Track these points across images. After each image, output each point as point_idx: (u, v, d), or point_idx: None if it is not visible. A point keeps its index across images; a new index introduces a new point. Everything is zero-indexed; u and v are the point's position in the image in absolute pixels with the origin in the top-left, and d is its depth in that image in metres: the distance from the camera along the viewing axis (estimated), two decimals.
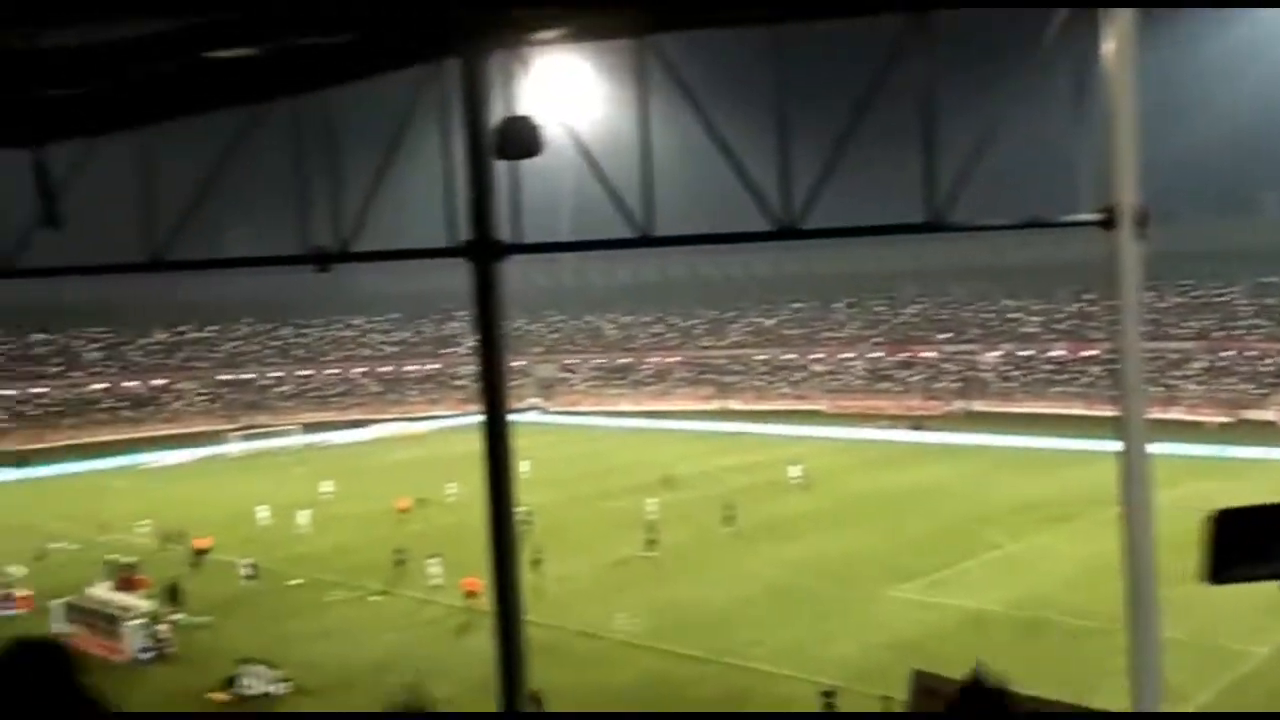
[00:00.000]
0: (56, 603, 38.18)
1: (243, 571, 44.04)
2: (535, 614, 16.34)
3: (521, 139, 9.10)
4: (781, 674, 31.49)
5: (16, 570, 43.45)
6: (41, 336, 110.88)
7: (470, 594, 38.64)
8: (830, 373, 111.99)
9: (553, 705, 26.59)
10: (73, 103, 9.30)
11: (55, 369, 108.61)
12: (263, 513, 56.05)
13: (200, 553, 47.41)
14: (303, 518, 54.43)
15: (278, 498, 60.58)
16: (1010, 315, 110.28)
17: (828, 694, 27.97)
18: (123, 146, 11.51)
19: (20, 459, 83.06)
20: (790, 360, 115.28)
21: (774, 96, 9.98)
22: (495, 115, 9.61)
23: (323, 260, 10.47)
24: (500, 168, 10.09)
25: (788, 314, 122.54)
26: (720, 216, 16.81)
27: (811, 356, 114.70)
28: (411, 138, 10.24)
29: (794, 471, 62.65)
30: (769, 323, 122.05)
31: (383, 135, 10.44)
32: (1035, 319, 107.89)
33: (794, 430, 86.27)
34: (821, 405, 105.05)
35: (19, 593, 41.51)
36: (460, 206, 9.91)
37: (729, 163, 9.56)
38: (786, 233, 9.30)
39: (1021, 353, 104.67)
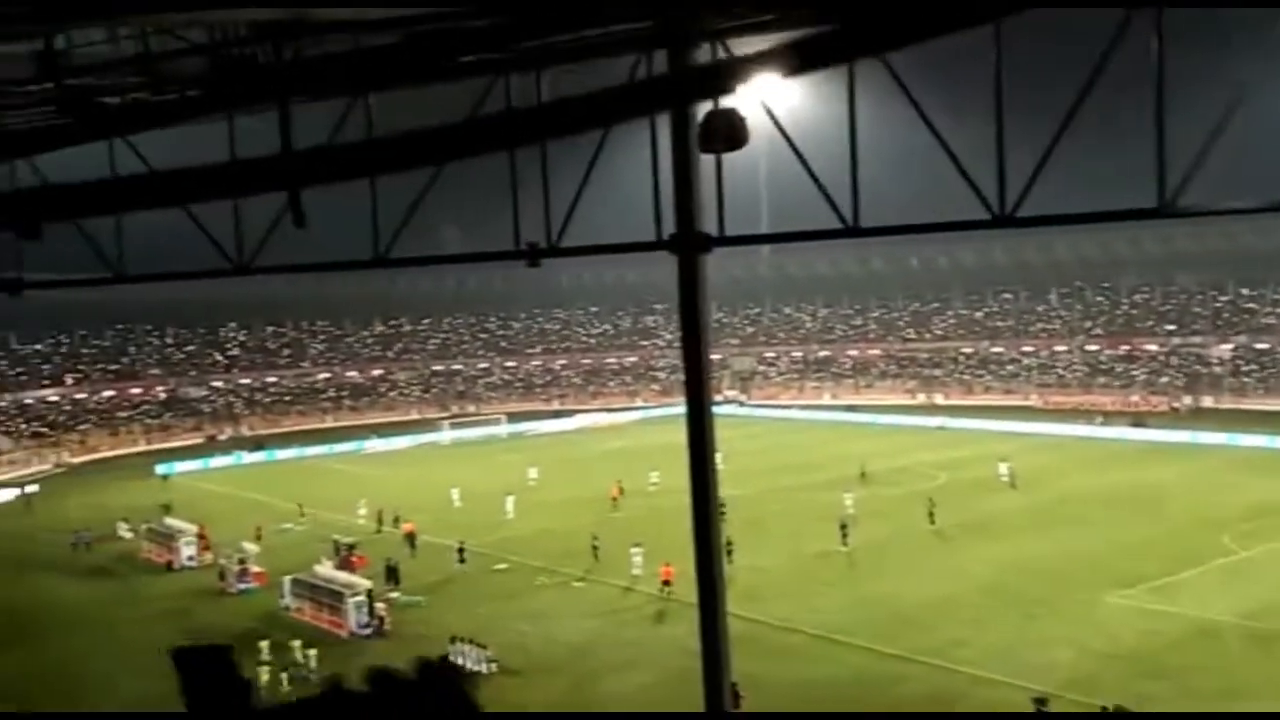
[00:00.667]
0: (287, 579, 41.00)
1: (455, 558, 45.91)
2: (728, 604, 16.42)
3: (727, 131, 9.15)
4: (989, 677, 30.45)
5: (252, 547, 46.83)
6: (273, 330, 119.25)
7: (665, 582, 39.27)
8: (1042, 366, 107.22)
9: (755, 698, 26.66)
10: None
11: (285, 360, 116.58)
12: (465, 498, 58.49)
13: (408, 536, 49.89)
14: (509, 504, 56.41)
15: (484, 484, 63.05)
16: (1245, 305, 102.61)
17: (1040, 701, 26.86)
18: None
19: (257, 444, 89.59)
20: (998, 353, 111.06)
21: (992, 84, 9.65)
22: (700, 109, 9.71)
23: (535, 255, 10.86)
24: (705, 161, 10.18)
25: (996, 305, 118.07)
26: (923, 206, 16.39)
27: (1022, 349, 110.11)
28: (619, 133, 10.46)
29: (1002, 469, 60.37)
30: (976, 314, 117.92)
31: (592, 133, 10.66)
32: (1274, 310, 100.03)
33: (1002, 426, 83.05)
34: (1032, 400, 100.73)
35: (254, 568, 44.79)
36: (666, 200, 10.06)
37: (944, 151, 9.33)
38: (1004, 221, 9.00)
39: (1258, 346, 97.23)
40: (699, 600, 10.58)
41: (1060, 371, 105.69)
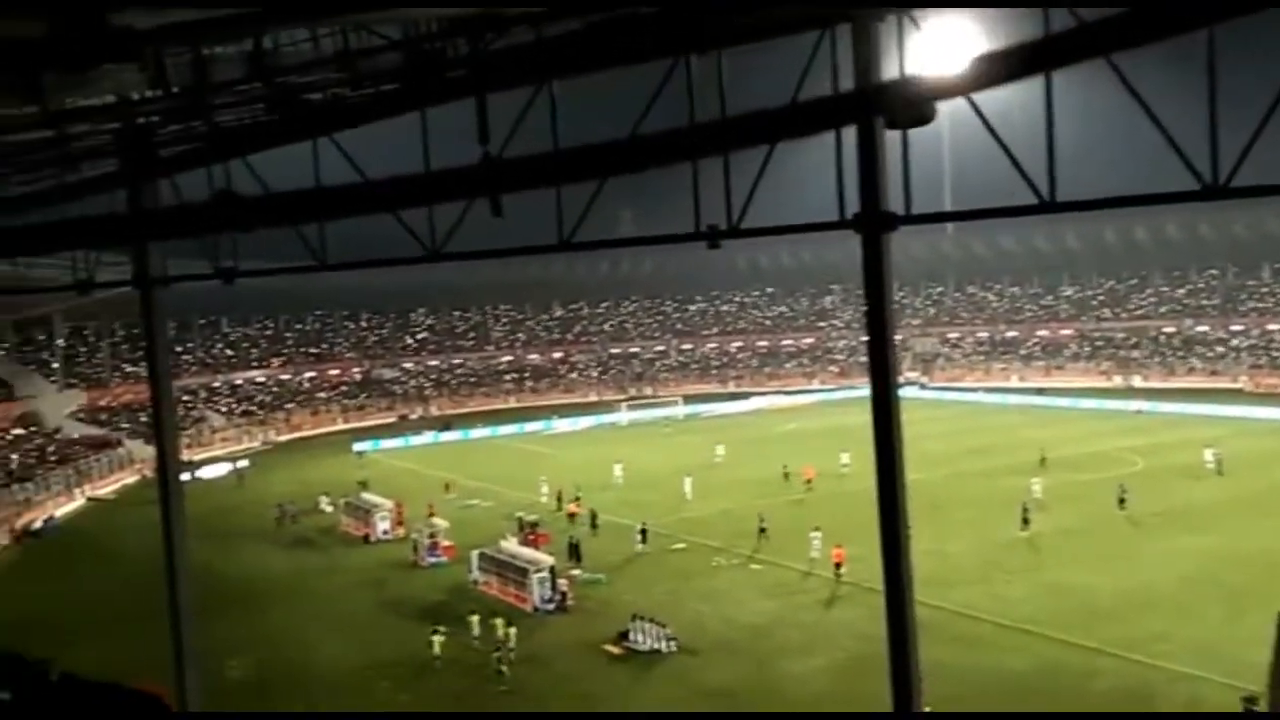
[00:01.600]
0: (474, 553, 42.58)
1: (635, 538, 46.58)
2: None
3: (912, 106, 8.92)
4: (1192, 673, 28.82)
5: (441, 523, 48.81)
6: (459, 314, 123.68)
7: (837, 565, 38.98)
8: (1253, 347, 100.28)
9: (939, 687, 26.09)
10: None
11: (470, 343, 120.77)
12: (643, 480, 59.23)
13: (571, 516, 50.92)
14: (687, 485, 56.85)
15: (661, 465, 63.72)
16: None
17: (1250, 700, 25.25)
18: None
19: (444, 424, 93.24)
20: (1203, 333, 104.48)
21: (1204, 49, 9.05)
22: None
23: (715, 237, 10.90)
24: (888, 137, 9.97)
25: (1201, 281, 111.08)
26: (1121, 177, 15.57)
27: (1230, 328, 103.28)
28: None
29: (1208, 455, 56.87)
30: (1178, 291, 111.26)
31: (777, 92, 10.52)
32: None
33: (1207, 410, 78.13)
34: (1241, 383, 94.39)
35: (444, 543, 46.70)
36: (848, 179, 9.91)
37: (1147, 117, 8.84)
38: (1217, 192, 8.46)
39: None
40: (885, 586, 10.42)
41: (1273, 352, 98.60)
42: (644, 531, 46.69)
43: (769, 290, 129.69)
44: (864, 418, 14.21)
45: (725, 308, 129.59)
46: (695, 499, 55.40)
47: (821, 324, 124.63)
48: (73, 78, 10.50)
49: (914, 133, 10.72)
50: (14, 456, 69.72)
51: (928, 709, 13.49)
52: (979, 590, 37.29)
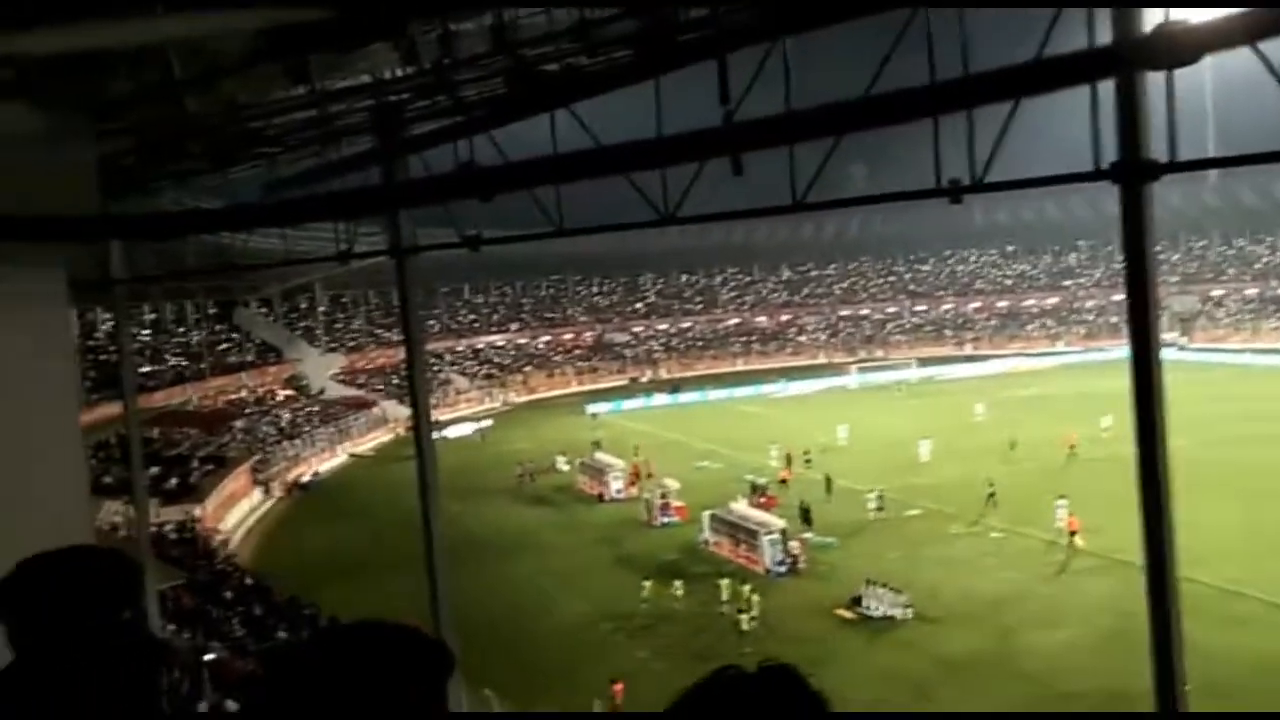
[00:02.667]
0: (706, 514, 43.19)
1: (868, 503, 45.86)
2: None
3: (1179, 54, 8.28)
4: None
5: (672, 484, 49.74)
6: (687, 278, 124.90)
7: (1071, 533, 37.33)
8: None
9: (1202, 667, 24.51)
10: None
11: (698, 306, 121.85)
12: (875, 443, 58.17)
13: (783, 482, 50.63)
14: (924, 449, 55.37)
15: (896, 429, 62.42)
16: None
17: None
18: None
19: (674, 386, 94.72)
20: None
21: None
22: (1145, 22, 8.86)
23: (958, 192, 10.52)
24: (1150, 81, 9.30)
25: None
26: None
27: None
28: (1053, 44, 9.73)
29: None
30: None
31: (1019, 56, 10.02)
32: None
33: None
34: None
35: (675, 503, 47.60)
36: (1106, 126, 9.34)
37: None
38: None
39: None
40: (1146, 559, 9.87)
41: None
42: (880, 498, 45.87)
43: (1009, 247, 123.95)
44: (1116, 382, 13.38)
45: (961, 267, 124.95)
46: (933, 463, 53.90)
47: (1066, 282, 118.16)
48: (338, 58, 11.30)
49: (1176, 71, 9.97)
50: (284, 415, 76.08)
51: (1188, 689, 12.68)
52: (1246, 566, 34.63)
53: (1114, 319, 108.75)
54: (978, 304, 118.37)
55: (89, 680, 2.00)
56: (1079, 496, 40.22)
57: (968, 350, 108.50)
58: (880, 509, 45.22)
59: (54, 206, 6.63)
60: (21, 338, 6.48)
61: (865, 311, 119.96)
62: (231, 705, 25.42)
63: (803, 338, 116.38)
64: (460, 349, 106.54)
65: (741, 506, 44.06)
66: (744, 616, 32.92)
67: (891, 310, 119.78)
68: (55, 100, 7.17)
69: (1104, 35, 9.46)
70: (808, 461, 54.15)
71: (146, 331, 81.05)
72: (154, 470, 47.26)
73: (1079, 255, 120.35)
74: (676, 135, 9.93)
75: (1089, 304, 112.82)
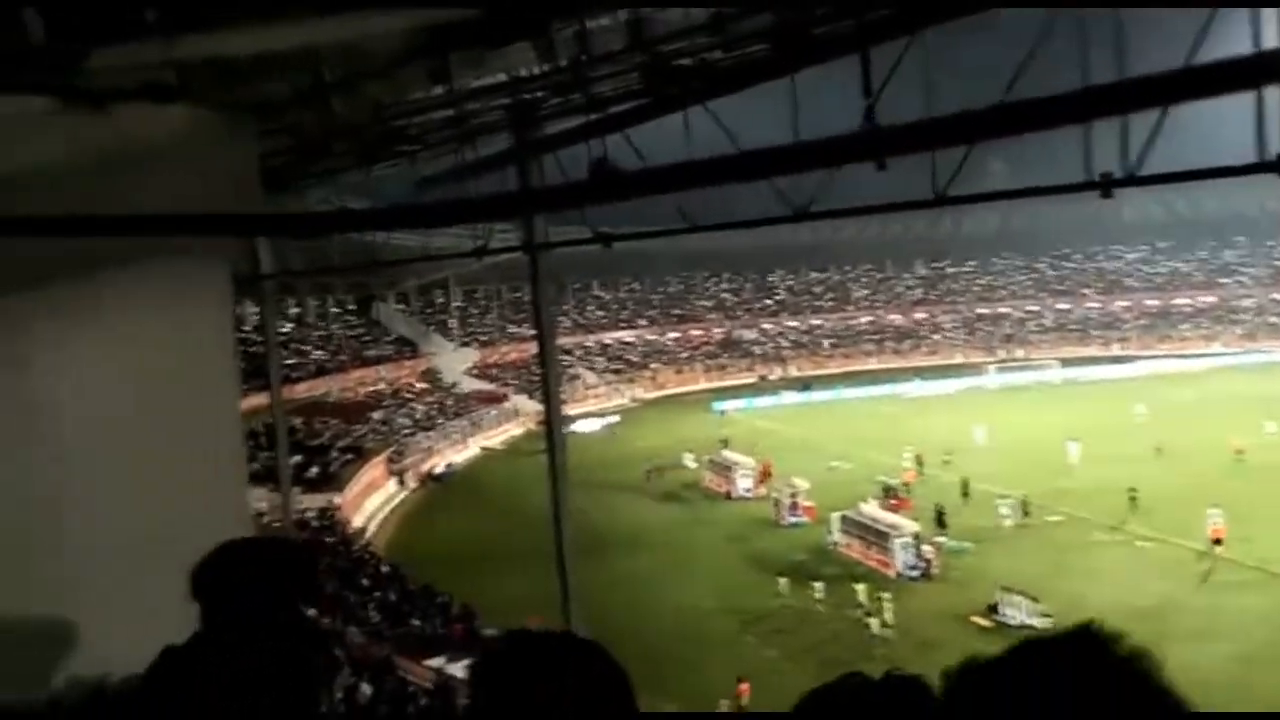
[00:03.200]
0: (835, 515, 42.72)
1: (1004, 508, 44.48)
2: None
3: None
4: None
5: (801, 483, 49.33)
6: (816, 275, 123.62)
7: (1215, 541, 35.65)
8: None
9: None
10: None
11: (829, 303, 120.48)
12: (1017, 446, 56.50)
13: (906, 485, 49.12)
14: (1073, 451, 53.37)
15: (1037, 431, 60.51)
16: None
17: None
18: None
19: (804, 384, 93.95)
20: None
21: None
22: None
23: (1111, 185, 10.15)
24: None
25: None
26: None
27: None
28: (1212, 39, 9.32)
29: None
30: None
31: (1178, 39, 9.57)
32: None
33: None
34: None
35: (804, 503, 47.23)
36: (1271, 109, 8.87)
37: None
38: None
39: None
40: None
41: None
42: (1024, 504, 44.47)
43: (1161, 244, 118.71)
44: (1274, 386, 12.75)
45: (1108, 264, 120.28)
46: (1080, 467, 51.89)
47: (1224, 280, 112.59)
48: (479, 56, 11.60)
49: None
50: (419, 408, 78.39)
51: None
52: None
53: (1275, 319, 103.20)
54: (1125, 302, 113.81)
55: (268, 672, 2.09)
56: (1240, 504, 38.34)
57: (1114, 351, 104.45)
58: (1022, 514, 43.90)
59: (221, 205, 6.99)
60: (190, 331, 6.86)
61: (1005, 310, 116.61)
62: (366, 689, 26.36)
63: (938, 336, 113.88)
64: (590, 344, 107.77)
65: (872, 508, 43.44)
66: (875, 620, 32.48)
67: (1032, 309, 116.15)
68: (215, 103, 7.56)
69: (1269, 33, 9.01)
70: (945, 463, 52.98)
71: (290, 325, 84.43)
72: (296, 459, 49.21)
73: (1237, 251, 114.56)
74: (819, 141, 9.84)
75: (1247, 302, 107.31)
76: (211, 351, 6.99)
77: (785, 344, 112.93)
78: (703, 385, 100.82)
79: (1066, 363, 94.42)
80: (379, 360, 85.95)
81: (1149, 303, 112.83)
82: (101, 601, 5.32)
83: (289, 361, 71.73)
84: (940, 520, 42.80)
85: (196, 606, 2.20)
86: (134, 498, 6.25)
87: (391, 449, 65.86)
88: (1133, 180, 10.30)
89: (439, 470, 66.57)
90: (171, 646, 2.12)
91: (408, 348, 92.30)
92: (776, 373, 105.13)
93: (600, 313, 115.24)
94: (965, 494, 47.53)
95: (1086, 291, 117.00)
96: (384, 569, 41.37)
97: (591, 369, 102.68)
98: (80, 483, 6.09)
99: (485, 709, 1.62)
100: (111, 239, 6.07)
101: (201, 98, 7.31)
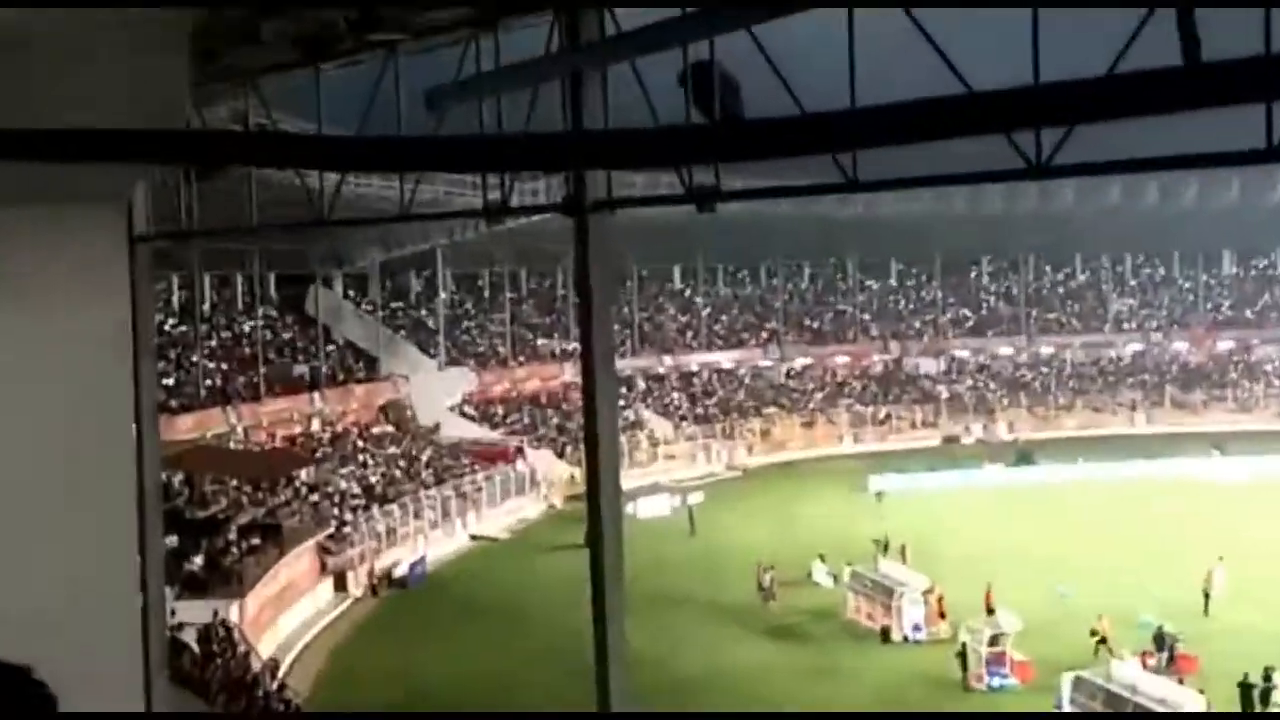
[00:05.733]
0: (1067, 677, 42.47)
1: None
2: None
3: None
4: None
5: (1011, 620, 48.52)
6: (1051, 271, 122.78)
7: None
8: None
9: None
10: None
11: (1072, 318, 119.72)
12: None
13: (1103, 640, 48.13)
14: None
15: None
16: None
17: None
18: None
19: (1022, 453, 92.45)
20: None
21: None
22: None
23: None
24: None
25: None
26: None
27: None
28: None
29: None
30: None
31: None
32: None
33: None
34: None
35: (1013, 655, 46.84)
36: None
37: None
38: None
39: None
40: None
41: None
42: None
43: None
44: None
45: None
46: None
47: None
48: None
49: None
50: (375, 464, 78.72)
51: None
52: None
53: None
54: None
55: None
56: None
57: None
58: None
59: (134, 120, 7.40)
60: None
61: None
62: None
63: (1255, 381, 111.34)
64: (661, 371, 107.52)
65: (1131, 667, 43.10)
66: None
67: None
68: None
69: None
70: (1250, 595, 52.34)
71: (173, 320, 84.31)
72: (171, 540, 49.58)
73: None
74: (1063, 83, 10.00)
75: None
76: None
77: (992, 383, 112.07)
78: (849, 448, 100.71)
79: None
80: (313, 383, 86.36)
81: None
82: None
83: (167, 381, 72.34)
84: (1249, 696, 42.16)
85: None
86: None
87: (326, 531, 66.27)
88: None
89: (401, 570, 66.96)
90: None
91: (361, 363, 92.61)
92: (976, 430, 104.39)
93: (683, 318, 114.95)
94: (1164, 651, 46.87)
95: None
96: None
97: (665, 413, 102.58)
98: None
99: None
100: None
101: None
